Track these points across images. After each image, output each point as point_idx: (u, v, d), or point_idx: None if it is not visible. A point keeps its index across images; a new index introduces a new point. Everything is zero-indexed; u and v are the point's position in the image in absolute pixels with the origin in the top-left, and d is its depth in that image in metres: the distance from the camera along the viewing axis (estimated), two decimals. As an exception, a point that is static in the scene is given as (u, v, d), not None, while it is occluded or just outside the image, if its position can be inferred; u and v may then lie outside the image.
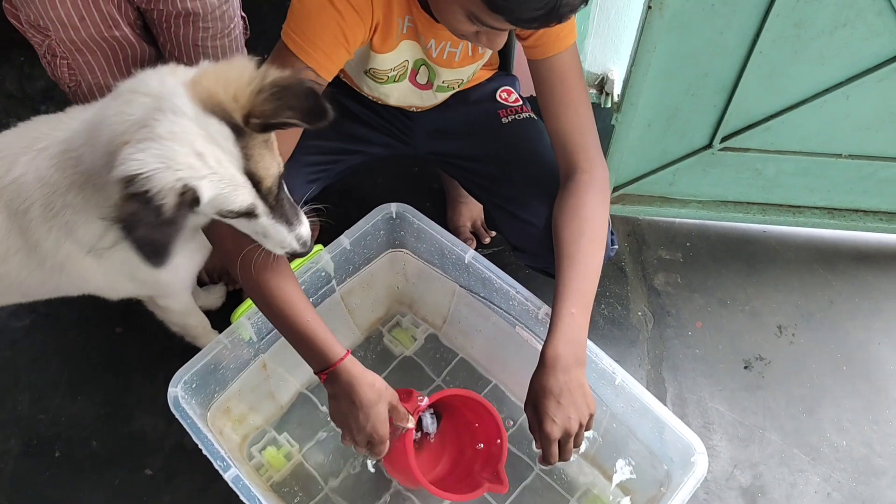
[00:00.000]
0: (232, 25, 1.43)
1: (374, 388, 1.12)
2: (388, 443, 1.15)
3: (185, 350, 1.31)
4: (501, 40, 1.07)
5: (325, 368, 1.12)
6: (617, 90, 1.67)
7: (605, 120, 1.76)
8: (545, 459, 1.14)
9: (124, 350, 1.68)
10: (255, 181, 0.95)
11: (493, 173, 1.37)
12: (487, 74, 1.46)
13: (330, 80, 1.12)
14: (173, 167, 0.87)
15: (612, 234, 1.33)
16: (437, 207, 1.90)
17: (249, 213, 0.97)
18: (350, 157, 1.42)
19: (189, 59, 1.43)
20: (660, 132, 1.67)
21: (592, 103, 1.76)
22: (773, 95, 1.56)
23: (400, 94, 1.33)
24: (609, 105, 1.69)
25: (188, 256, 1.25)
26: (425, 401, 1.21)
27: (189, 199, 0.88)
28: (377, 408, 1.12)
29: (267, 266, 1.09)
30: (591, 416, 1.14)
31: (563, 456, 1.14)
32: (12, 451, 1.55)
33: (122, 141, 0.90)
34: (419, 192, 1.95)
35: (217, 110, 0.90)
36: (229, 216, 0.98)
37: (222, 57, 1.45)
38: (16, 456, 1.54)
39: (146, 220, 0.85)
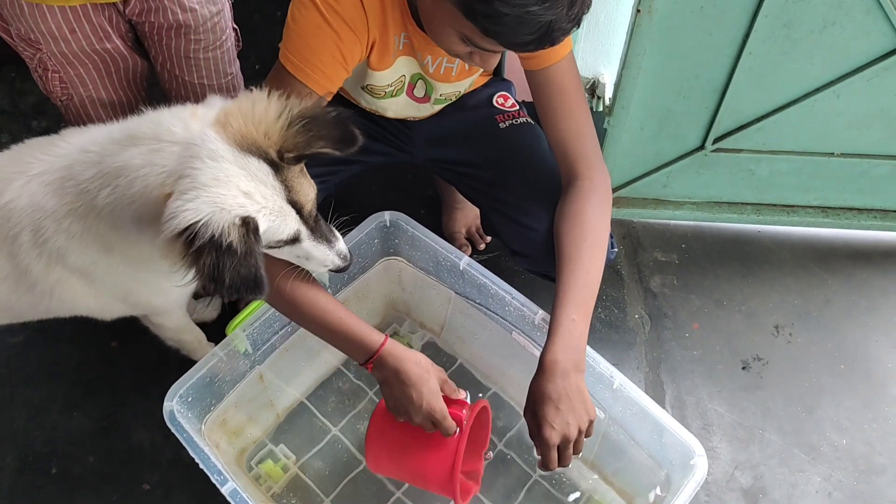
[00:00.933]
0: (224, 37, 1.42)
1: (420, 364, 1.13)
2: (449, 417, 1.13)
3: (181, 363, 1.31)
4: (495, 61, 1.08)
5: (369, 358, 1.12)
6: (608, 94, 1.67)
7: (597, 124, 1.74)
8: (544, 465, 1.14)
9: (120, 365, 1.68)
10: (297, 209, 0.98)
11: (491, 178, 1.38)
12: (483, 80, 1.46)
13: (329, 98, 1.12)
14: (227, 208, 0.88)
15: (611, 237, 1.33)
16: (432, 214, 1.90)
17: (294, 240, 1.00)
18: (349, 168, 1.42)
19: (181, 72, 1.43)
20: (652, 135, 1.68)
21: (584, 107, 1.77)
22: (765, 96, 1.57)
23: (397, 108, 1.33)
24: (601, 109, 1.69)
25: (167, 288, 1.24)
26: (467, 397, 1.22)
27: (252, 229, 0.90)
28: (428, 383, 1.12)
29: (290, 277, 1.11)
30: (591, 422, 1.14)
31: (562, 462, 1.14)
32: (8, 467, 1.54)
33: (162, 193, 0.91)
34: (414, 200, 1.95)
35: (253, 149, 0.92)
36: (276, 246, 1.00)
37: (214, 69, 1.45)
38: (12, 473, 1.53)
39: (227, 264, 0.87)
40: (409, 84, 1.28)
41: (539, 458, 1.15)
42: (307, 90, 1.08)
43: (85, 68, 1.37)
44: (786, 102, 1.57)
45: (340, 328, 1.13)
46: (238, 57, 1.53)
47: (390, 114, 1.36)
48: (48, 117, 2.05)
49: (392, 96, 1.29)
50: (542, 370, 1.12)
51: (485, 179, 1.39)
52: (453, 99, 1.36)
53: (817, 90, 1.54)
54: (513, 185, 1.34)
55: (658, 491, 1.31)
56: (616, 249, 1.32)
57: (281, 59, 1.10)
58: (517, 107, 1.44)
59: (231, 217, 0.88)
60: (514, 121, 1.41)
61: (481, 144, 1.40)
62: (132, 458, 1.55)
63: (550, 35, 0.95)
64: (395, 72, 1.23)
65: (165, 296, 1.25)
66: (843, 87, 1.52)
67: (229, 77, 1.49)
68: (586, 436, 1.15)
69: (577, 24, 0.97)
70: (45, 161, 1.07)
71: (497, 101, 1.43)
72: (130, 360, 1.68)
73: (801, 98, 1.55)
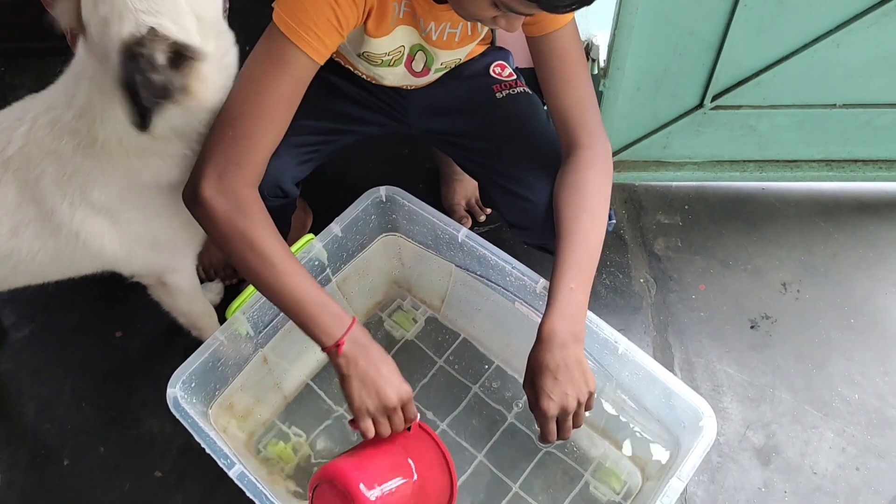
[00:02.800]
0: None
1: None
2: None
3: (185, 351, 1.30)
4: (520, 23, 1.05)
5: (344, 332, 1.08)
6: (603, 56, 1.64)
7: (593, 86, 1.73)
8: (543, 438, 1.13)
9: (125, 354, 1.68)
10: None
11: (489, 149, 1.35)
12: (480, 49, 1.43)
13: (322, 63, 1.10)
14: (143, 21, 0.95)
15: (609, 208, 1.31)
16: (431, 188, 1.88)
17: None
18: (343, 137, 1.40)
19: None
20: (649, 95, 1.65)
21: (579, 71, 1.74)
22: (762, 49, 1.53)
23: (394, 78, 1.31)
24: (596, 71, 1.66)
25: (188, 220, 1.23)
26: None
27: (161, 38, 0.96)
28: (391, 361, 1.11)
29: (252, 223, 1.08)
30: (591, 394, 1.12)
31: (561, 434, 1.12)
32: (21, 462, 1.54)
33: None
34: (412, 174, 1.93)
35: None
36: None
37: None
38: (25, 467, 1.54)
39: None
40: (407, 56, 1.25)
41: (538, 430, 1.14)
42: (300, 53, 1.05)
43: None
44: (784, 55, 1.54)
45: (316, 298, 1.08)
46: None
47: (387, 82, 1.33)
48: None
49: (389, 66, 1.26)
50: (540, 340, 1.10)
51: (481, 151, 1.36)
52: (452, 67, 1.33)
53: (816, 40, 1.50)
54: (509, 156, 1.32)
55: (669, 455, 1.30)
56: (614, 221, 1.30)
57: (274, 18, 1.06)
58: (514, 76, 1.41)
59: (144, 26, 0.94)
60: (511, 90, 1.38)
61: (478, 115, 1.38)
62: (142, 446, 1.55)
63: None
64: (393, 41, 1.20)
65: (186, 232, 1.26)
66: (842, 36, 1.48)
67: None
68: (586, 409, 1.13)
69: None
70: (36, 103, 1.12)
71: (494, 71, 1.40)
72: (135, 350, 1.68)
73: (800, 49, 1.52)
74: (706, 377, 1.61)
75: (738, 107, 1.66)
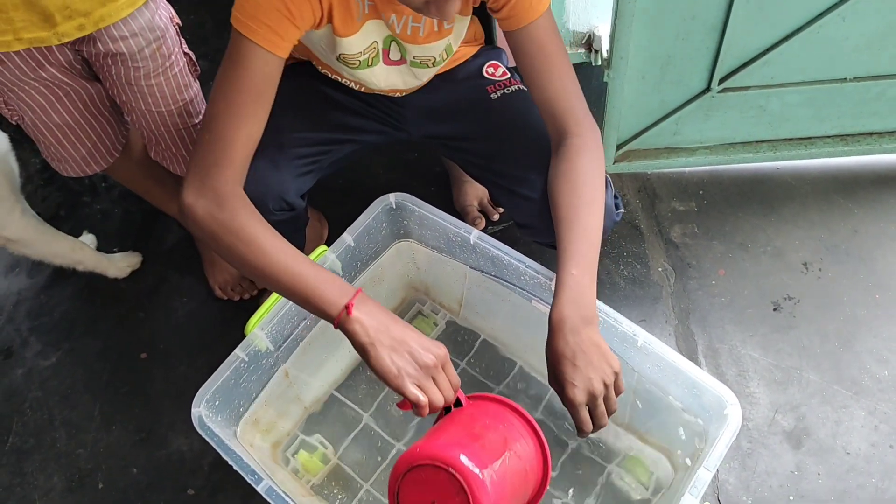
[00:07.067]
0: (168, 63, 1.38)
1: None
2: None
3: (210, 368, 1.31)
4: (451, 9, 1.02)
5: (349, 300, 1.03)
6: (605, 46, 1.63)
7: (597, 78, 1.72)
8: (579, 429, 1.10)
9: (151, 375, 1.70)
10: None
11: (487, 151, 1.35)
12: (473, 51, 1.43)
13: (284, 56, 1.09)
14: None
15: (616, 197, 1.29)
16: (443, 191, 1.88)
17: None
18: (341, 147, 1.40)
19: (128, 98, 1.40)
20: (655, 83, 1.63)
21: (582, 63, 1.73)
22: (766, 28, 1.51)
23: (378, 80, 1.29)
24: (599, 62, 1.65)
25: None
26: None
27: None
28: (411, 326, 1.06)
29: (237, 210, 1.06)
30: (617, 374, 1.09)
31: (596, 422, 1.09)
32: (56, 488, 1.57)
33: None
34: (421, 178, 1.93)
35: None
36: None
37: (161, 95, 1.41)
38: (61, 492, 1.56)
39: None
40: (383, 49, 1.24)
41: (573, 423, 1.11)
42: (255, 46, 1.05)
43: (27, 94, 1.35)
44: (789, 32, 1.51)
45: (314, 272, 1.05)
46: (200, 81, 1.50)
47: (380, 86, 1.32)
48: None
49: (368, 65, 1.25)
50: (552, 330, 1.09)
51: (480, 153, 1.36)
52: (431, 65, 1.31)
53: (821, 15, 1.48)
54: (507, 155, 1.31)
55: (696, 444, 1.29)
56: (622, 211, 1.29)
57: (231, 21, 1.06)
58: (508, 75, 1.40)
59: None
60: (505, 90, 1.37)
61: (474, 117, 1.37)
62: (173, 465, 1.57)
63: None
64: (364, 37, 1.19)
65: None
66: (847, 9, 1.46)
67: (181, 103, 1.45)
68: (616, 392, 1.10)
69: None
70: None
71: (487, 72, 1.39)
72: (160, 370, 1.70)
73: (805, 25, 1.50)
74: (731, 363, 1.60)
75: (747, 88, 1.64)
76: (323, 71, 1.36)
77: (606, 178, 1.27)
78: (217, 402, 1.25)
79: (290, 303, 1.29)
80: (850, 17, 1.47)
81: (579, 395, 1.07)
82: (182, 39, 1.43)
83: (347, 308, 1.02)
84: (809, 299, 1.67)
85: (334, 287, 1.04)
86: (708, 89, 1.64)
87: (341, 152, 1.40)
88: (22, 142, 1.64)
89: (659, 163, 1.84)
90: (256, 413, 1.37)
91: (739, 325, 1.64)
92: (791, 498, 1.43)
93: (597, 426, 1.10)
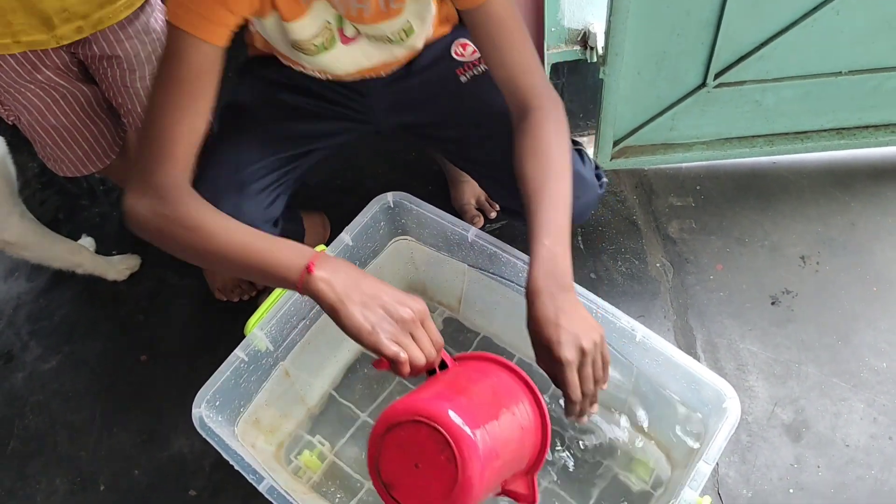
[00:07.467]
0: None
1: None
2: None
3: (210, 369, 1.32)
4: None
5: (307, 263, 0.95)
6: (600, 43, 1.63)
7: (593, 75, 1.72)
8: (568, 398, 1.01)
9: (152, 377, 1.70)
10: None
11: (461, 137, 1.32)
12: (445, 31, 1.36)
13: (221, 44, 1.03)
14: None
15: (597, 168, 1.26)
16: (441, 190, 1.88)
17: None
18: (307, 158, 1.36)
19: (123, 101, 1.41)
20: (651, 79, 1.64)
21: (577, 60, 1.73)
22: (761, 22, 1.52)
23: (342, 63, 1.23)
24: (594, 59, 1.65)
25: None
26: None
27: None
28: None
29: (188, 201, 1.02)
30: (602, 336, 1.02)
31: (584, 384, 1.00)
32: (59, 491, 1.57)
33: None
34: (421, 178, 1.94)
35: None
36: None
37: None
38: (63, 496, 1.57)
39: None
40: (338, 28, 1.17)
41: (565, 403, 1.04)
42: (186, 35, 0.99)
43: (23, 96, 1.36)
44: (784, 26, 1.52)
45: (267, 240, 1.00)
46: None
47: (346, 68, 1.25)
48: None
49: (325, 49, 1.18)
50: (529, 302, 1.03)
51: (454, 139, 1.32)
52: (388, 43, 1.22)
53: (815, 9, 1.48)
54: (482, 139, 1.28)
55: (695, 438, 1.30)
56: (605, 180, 1.25)
57: (165, 16, 1.04)
58: (478, 53, 1.34)
59: None
60: (474, 70, 1.33)
61: (445, 103, 1.33)
62: (175, 466, 1.57)
63: None
64: (314, 19, 1.13)
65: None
66: (841, 3, 1.46)
67: None
68: (603, 360, 1.03)
69: None
70: None
71: (456, 52, 1.35)
72: (161, 371, 1.70)
73: (799, 20, 1.50)
74: (730, 357, 1.60)
75: (742, 83, 1.65)
76: (287, 64, 1.30)
77: (583, 151, 1.26)
78: (217, 403, 1.25)
79: (290, 302, 1.29)
80: (843, 10, 1.48)
81: (568, 352, 0.98)
82: None
83: (308, 268, 0.94)
84: (807, 293, 1.67)
85: (292, 251, 0.98)
86: (703, 85, 1.64)
87: (308, 163, 1.36)
88: (19, 146, 1.64)
89: (655, 159, 1.84)
90: (257, 413, 1.38)
91: (738, 320, 1.65)
92: (791, 490, 1.44)
93: (585, 391, 1.02)
